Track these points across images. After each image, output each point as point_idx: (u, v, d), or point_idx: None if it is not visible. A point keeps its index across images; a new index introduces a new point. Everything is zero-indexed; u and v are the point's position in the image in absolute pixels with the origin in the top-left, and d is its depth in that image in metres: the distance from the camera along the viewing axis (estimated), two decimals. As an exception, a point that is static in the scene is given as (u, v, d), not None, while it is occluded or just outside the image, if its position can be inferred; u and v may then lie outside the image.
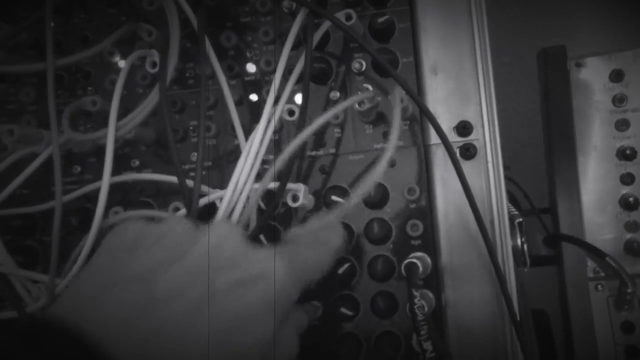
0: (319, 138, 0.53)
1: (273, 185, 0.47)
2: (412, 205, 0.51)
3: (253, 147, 0.46)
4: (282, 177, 0.47)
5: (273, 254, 0.38)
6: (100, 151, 0.56)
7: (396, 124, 0.44)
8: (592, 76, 0.73)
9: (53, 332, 0.31)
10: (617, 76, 0.72)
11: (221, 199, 0.46)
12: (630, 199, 0.71)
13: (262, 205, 0.51)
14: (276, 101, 0.48)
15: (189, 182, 0.48)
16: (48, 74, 0.48)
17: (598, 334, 0.70)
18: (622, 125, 0.72)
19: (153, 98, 0.50)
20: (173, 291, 0.34)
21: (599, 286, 0.71)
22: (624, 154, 0.71)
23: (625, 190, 0.72)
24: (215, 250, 0.37)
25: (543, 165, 0.79)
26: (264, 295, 0.36)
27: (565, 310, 0.71)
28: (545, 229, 0.86)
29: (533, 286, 0.86)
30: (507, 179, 0.92)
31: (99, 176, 0.50)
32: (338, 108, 0.46)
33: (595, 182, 0.73)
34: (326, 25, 0.48)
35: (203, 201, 0.47)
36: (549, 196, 0.77)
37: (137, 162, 0.55)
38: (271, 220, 0.53)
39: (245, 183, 0.46)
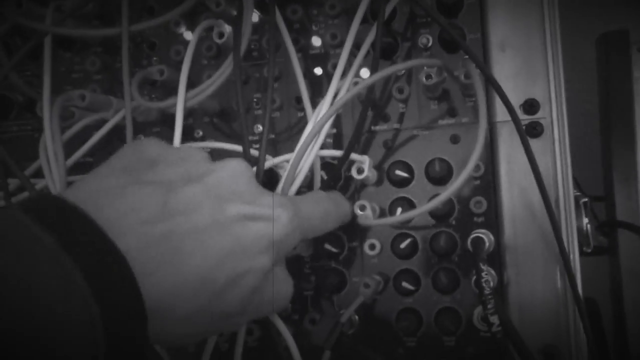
0: (382, 112, 0.53)
1: (338, 154, 0.48)
2: (477, 182, 0.50)
3: (321, 115, 0.46)
4: (347, 146, 0.47)
5: (283, 202, 0.40)
6: (163, 121, 0.57)
7: (482, 102, 0.44)
8: (655, 61, 0.72)
9: (70, 212, 0.32)
10: (681, 61, 0.71)
11: (285, 168, 0.47)
12: (690, 187, 0.70)
13: (324, 176, 0.51)
14: (344, 74, 0.48)
15: (254, 152, 0.48)
16: (123, 39, 0.48)
17: (652, 324, 0.69)
18: (685, 112, 0.71)
19: (224, 70, 0.50)
20: (189, 205, 0.35)
21: (655, 275, 0.70)
22: (686, 140, 0.70)
23: (684, 178, 0.71)
24: (231, 180, 0.38)
25: (593, 156, 0.78)
26: (266, 235, 0.38)
27: (619, 298, 0.71)
28: (595, 218, 0.85)
29: (582, 276, 0.85)
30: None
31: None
32: (405, 65, 0.47)
33: (653, 170, 0.72)
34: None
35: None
36: (603, 183, 0.76)
37: (201, 133, 0.56)
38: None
39: (310, 151, 0.46)
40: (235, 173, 0.39)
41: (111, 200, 0.33)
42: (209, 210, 0.36)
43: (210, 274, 0.35)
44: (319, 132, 0.45)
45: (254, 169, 0.44)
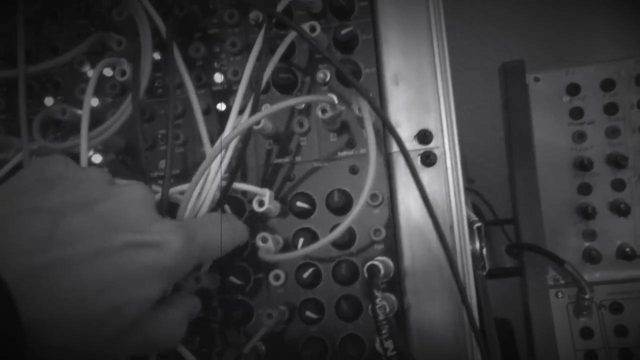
0: (285, 146, 0.54)
1: (238, 186, 0.49)
2: (375, 211, 0.52)
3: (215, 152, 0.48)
4: (230, 173, 0.49)
5: (175, 227, 0.40)
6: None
7: (371, 137, 0.46)
8: (550, 90, 0.76)
9: None
10: (574, 89, 0.75)
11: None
12: (588, 208, 0.73)
13: (228, 209, 0.52)
14: (241, 111, 0.49)
15: (156, 189, 0.49)
16: (19, 80, 0.49)
17: (559, 340, 0.72)
18: (579, 137, 0.75)
19: (126, 109, 0.51)
20: (74, 235, 0.36)
21: (559, 293, 0.73)
22: (581, 165, 0.74)
23: (582, 199, 0.75)
24: (124, 208, 0.39)
25: (506, 179, 0.81)
26: (154, 263, 0.38)
27: (527, 317, 0.73)
28: (508, 239, 0.88)
29: (498, 297, 0.88)
30: (472, 190, 0.95)
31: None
32: (295, 101, 0.49)
33: (554, 192, 0.75)
34: (291, 36, 0.50)
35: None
36: (511, 207, 0.79)
37: (107, 170, 0.56)
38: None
39: (206, 182, 0.47)
40: (131, 200, 0.39)
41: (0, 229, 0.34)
42: (94, 240, 0.36)
43: (88, 304, 0.35)
44: (209, 165, 0.46)
45: (157, 195, 0.44)
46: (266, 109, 0.46)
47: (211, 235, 0.44)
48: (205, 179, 0.47)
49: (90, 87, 0.50)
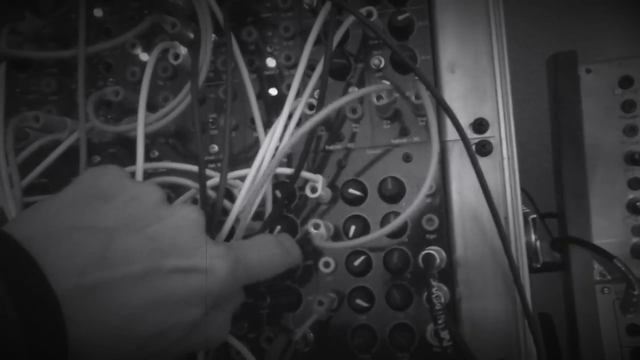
0: (337, 132, 0.53)
1: (290, 172, 0.49)
2: (428, 200, 0.51)
3: (274, 139, 0.47)
4: (298, 164, 0.48)
5: (223, 253, 0.40)
6: (119, 142, 0.57)
7: (434, 125, 0.46)
8: (602, 82, 0.74)
9: (17, 254, 0.33)
10: (626, 82, 0.74)
11: (239, 188, 0.47)
12: (638, 203, 0.72)
13: (278, 194, 0.52)
14: (298, 95, 0.49)
15: (209, 172, 0.49)
16: (79, 60, 0.49)
17: (604, 337, 0.71)
18: (630, 130, 0.73)
19: (185, 97, 0.50)
20: (125, 257, 0.36)
21: (605, 289, 0.72)
22: (632, 159, 0.72)
23: (632, 194, 0.73)
24: (175, 232, 0.39)
25: (547, 173, 0.80)
26: (200, 287, 0.38)
27: (571, 312, 0.72)
28: (549, 235, 0.87)
29: (537, 292, 0.86)
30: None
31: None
32: (352, 96, 0.47)
33: (603, 186, 0.74)
34: (348, 22, 0.49)
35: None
36: (556, 200, 0.77)
37: (157, 153, 0.56)
38: (285, 209, 0.53)
39: (264, 171, 0.47)
40: (181, 223, 0.39)
41: (53, 244, 0.34)
42: (144, 263, 0.36)
43: (134, 326, 0.36)
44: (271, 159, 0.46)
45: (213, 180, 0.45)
46: (326, 108, 0.45)
47: (260, 259, 0.44)
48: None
49: (147, 73, 0.49)
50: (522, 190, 0.95)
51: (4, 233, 0.34)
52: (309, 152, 0.49)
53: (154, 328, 0.37)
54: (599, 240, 0.73)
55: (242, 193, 0.46)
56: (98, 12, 0.57)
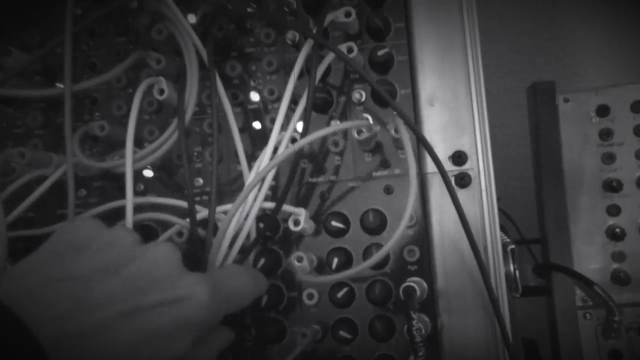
0: (320, 165, 0.54)
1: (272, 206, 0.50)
2: (410, 231, 0.52)
3: (261, 168, 0.48)
4: (280, 195, 0.49)
5: (201, 280, 0.40)
6: (105, 175, 0.57)
7: (411, 159, 0.47)
8: (580, 111, 0.76)
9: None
10: (603, 111, 0.75)
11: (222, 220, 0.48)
12: (617, 229, 0.73)
13: (261, 225, 0.52)
14: (283, 128, 0.50)
15: (198, 208, 0.50)
16: (65, 99, 0.49)
17: (586, 362, 0.72)
18: (608, 158, 0.75)
19: (172, 133, 0.51)
20: (104, 300, 0.36)
21: (587, 315, 0.73)
22: (610, 186, 0.74)
23: (611, 221, 0.74)
24: (151, 269, 0.39)
25: (532, 197, 0.81)
26: (184, 317, 0.39)
27: (554, 338, 0.73)
28: (534, 259, 0.88)
29: (522, 316, 0.87)
30: (498, 209, 0.94)
31: (103, 199, 0.52)
32: (332, 129, 0.49)
33: (583, 213, 0.75)
34: (329, 57, 0.51)
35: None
36: (538, 226, 0.79)
37: (142, 187, 0.57)
38: (268, 241, 0.54)
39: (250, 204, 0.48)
40: (156, 259, 0.40)
41: (34, 297, 0.35)
42: (124, 303, 0.37)
43: None
44: (249, 192, 0.47)
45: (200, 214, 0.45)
46: (307, 137, 0.47)
47: (235, 287, 0.45)
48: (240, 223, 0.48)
49: (134, 111, 0.50)
50: (505, 215, 0.96)
51: None
52: (291, 186, 0.50)
53: None
54: (580, 266, 0.74)
55: (225, 226, 0.47)
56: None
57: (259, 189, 0.49)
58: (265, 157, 0.49)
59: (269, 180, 0.49)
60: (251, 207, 0.48)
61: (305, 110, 0.48)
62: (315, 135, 0.47)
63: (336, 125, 0.49)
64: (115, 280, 0.38)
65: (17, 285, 0.36)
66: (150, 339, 0.37)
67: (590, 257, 0.74)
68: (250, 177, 0.49)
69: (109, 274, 0.38)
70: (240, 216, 0.48)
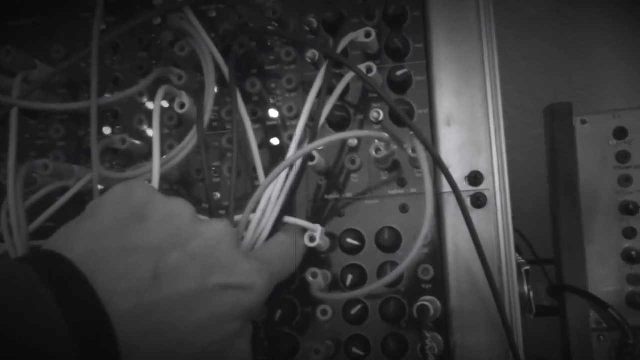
0: (336, 182, 0.55)
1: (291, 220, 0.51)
2: (424, 250, 0.53)
3: (276, 188, 0.49)
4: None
5: (260, 268, 0.42)
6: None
7: (428, 179, 0.47)
8: (597, 133, 0.76)
9: (71, 275, 0.34)
10: (621, 133, 0.75)
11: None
12: (633, 252, 0.73)
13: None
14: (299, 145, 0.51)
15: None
16: (92, 114, 0.50)
17: (600, 384, 0.71)
18: (625, 180, 0.75)
19: (189, 142, 0.52)
20: (175, 274, 0.37)
21: (601, 337, 0.73)
22: (627, 209, 0.73)
23: (627, 244, 0.74)
24: (214, 247, 0.40)
25: (547, 217, 0.81)
26: (243, 304, 0.40)
27: (568, 358, 0.73)
28: (547, 280, 0.87)
29: (535, 336, 0.87)
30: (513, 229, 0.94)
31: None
32: (351, 134, 0.51)
33: (598, 235, 0.75)
34: (349, 76, 0.51)
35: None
36: (553, 247, 0.78)
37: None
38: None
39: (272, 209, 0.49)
40: (218, 238, 0.41)
41: (105, 266, 0.35)
42: (192, 280, 0.37)
43: (186, 344, 0.37)
44: (265, 189, 0.48)
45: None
46: (327, 138, 0.48)
47: (284, 267, 0.47)
48: (266, 206, 0.49)
49: (156, 120, 0.51)
50: (520, 234, 0.96)
51: (56, 254, 0.34)
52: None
53: (203, 343, 0.38)
54: (595, 288, 0.74)
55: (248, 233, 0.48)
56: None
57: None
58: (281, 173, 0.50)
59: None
60: (270, 214, 0.49)
61: (314, 122, 0.50)
62: (332, 138, 0.48)
63: (353, 131, 0.50)
64: (182, 254, 0.38)
65: (87, 252, 0.35)
66: (211, 320, 0.38)
67: (605, 279, 0.74)
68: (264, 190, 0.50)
69: (176, 247, 0.38)
70: (258, 226, 0.48)
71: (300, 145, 0.51)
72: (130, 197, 0.40)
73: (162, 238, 0.38)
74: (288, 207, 0.51)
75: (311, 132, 0.50)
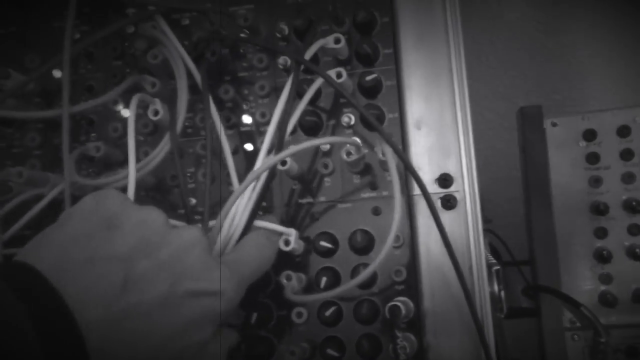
0: (309, 187, 0.56)
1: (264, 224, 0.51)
2: (397, 252, 0.53)
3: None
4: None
5: (231, 275, 0.42)
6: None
7: (396, 182, 0.49)
8: (567, 135, 0.78)
9: (33, 280, 0.34)
10: (590, 135, 0.77)
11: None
12: (604, 252, 0.74)
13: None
14: (270, 151, 0.51)
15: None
16: (63, 121, 0.51)
17: (574, 383, 0.72)
18: (595, 181, 0.76)
19: (162, 148, 0.53)
20: (144, 282, 0.37)
21: (575, 336, 0.74)
22: (597, 209, 0.75)
23: (599, 243, 0.76)
24: (183, 255, 0.40)
25: (523, 219, 0.83)
26: (211, 310, 0.40)
27: (543, 359, 0.74)
28: (525, 280, 0.89)
29: (512, 337, 0.88)
30: (489, 231, 0.96)
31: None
32: (321, 140, 0.52)
33: (571, 235, 0.76)
34: (318, 82, 0.52)
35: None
36: (528, 248, 0.80)
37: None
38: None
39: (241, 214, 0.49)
40: (188, 245, 0.41)
41: (73, 275, 0.35)
42: (162, 287, 0.38)
43: (156, 352, 0.37)
44: (238, 197, 0.48)
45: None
46: (294, 147, 0.48)
47: (254, 270, 0.47)
48: (236, 211, 0.49)
49: (131, 127, 0.51)
50: (496, 236, 0.97)
51: (26, 265, 0.35)
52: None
53: (174, 351, 0.38)
54: (568, 287, 0.75)
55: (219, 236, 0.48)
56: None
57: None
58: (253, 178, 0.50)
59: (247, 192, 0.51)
60: (239, 219, 0.49)
61: (280, 126, 0.51)
62: (302, 146, 0.49)
63: (324, 138, 0.51)
64: (152, 262, 0.38)
65: (56, 262, 0.36)
66: (181, 327, 0.39)
67: (578, 278, 0.75)
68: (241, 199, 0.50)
69: (146, 255, 0.38)
70: (229, 230, 0.49)
71: (270, 151, 0.51)
72: (101, 206, 0.41)
73: (132, 246, 0.38)
74: (258, 211, 0.51)
75: (278, 141, 0.50)
